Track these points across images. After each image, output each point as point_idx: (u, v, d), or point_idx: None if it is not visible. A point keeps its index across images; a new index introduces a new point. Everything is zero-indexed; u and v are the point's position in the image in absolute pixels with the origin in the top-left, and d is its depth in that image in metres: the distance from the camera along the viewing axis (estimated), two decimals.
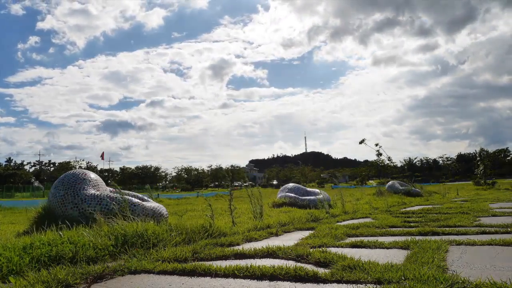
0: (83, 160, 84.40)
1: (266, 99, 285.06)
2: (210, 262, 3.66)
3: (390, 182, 19.13)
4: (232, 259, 3.91)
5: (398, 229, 5.88)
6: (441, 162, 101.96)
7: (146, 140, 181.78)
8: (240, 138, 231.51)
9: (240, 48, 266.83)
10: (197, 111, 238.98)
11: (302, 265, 3.36)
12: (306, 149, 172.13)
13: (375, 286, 2.67)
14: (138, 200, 6.35)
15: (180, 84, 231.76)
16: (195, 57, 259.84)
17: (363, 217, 8.11)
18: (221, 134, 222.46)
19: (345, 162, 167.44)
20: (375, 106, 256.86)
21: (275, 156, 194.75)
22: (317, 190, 13.07)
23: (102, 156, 51.83)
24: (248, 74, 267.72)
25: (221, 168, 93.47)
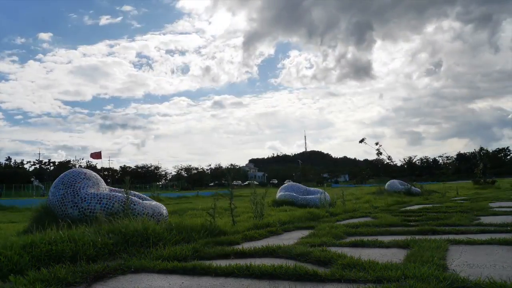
0: (82, 159, 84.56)
1: (247, 95, 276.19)
2: (210, 261, 3.67)
3: (390, 181, 19.14)
4: (232, 258, 3.91)
5: (398, 228, 5.88)
6: (440, 161, 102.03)
7: (131, 138, 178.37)
8: (228, 137, 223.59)
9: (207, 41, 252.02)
10: (177, 108, 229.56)
11: (302, 264, 3.37)
12: (306, 148, 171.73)
13: (375, 285, 2.68)
14: (138, 199, 6.35)
15: (154, 80, 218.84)
16: (163, 50, 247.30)
17: (363, 216, 8.11)
18: (206, 132, 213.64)
19: (345, 161, 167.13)
20: (361, 103, 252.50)
21: (275, 155, 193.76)
22: (317, 189, 13.09)
23: (99, 155, 51.55)
24: (225, 70, 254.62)
25: (220, 167, 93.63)
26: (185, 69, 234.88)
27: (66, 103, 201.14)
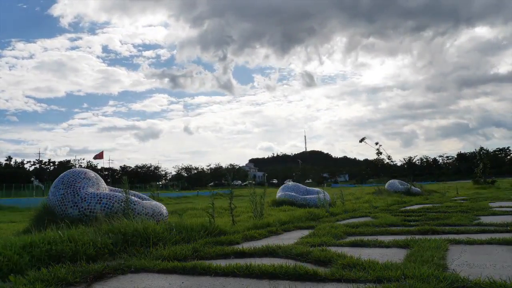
0: (83, 159, 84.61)
1: (229, 93, 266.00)
2: (210, 261, 3.67)
3: (390, 181, 19.14)
4: (232, 257, 3.91)
5: (398, 228, 5.88)
6: (440, 161, 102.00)
7: (117, 137, 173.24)
8: (217, 135, 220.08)
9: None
10: (158, 106, 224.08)
11: (302, 264, 3.36)
12: (306, 148, 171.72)
13: (375, 285, 2.67)
14: (138, 199, 6.35)
15: (127, 75, 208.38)
16: (130, 44, 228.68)
17: (363, 216, 8.11)
18: (193, 131, 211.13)
19: (345, 161, 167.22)
20: (343, 102, 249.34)
21: (275, 155, 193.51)
22: (317, 189, 13.09)
23: (101, 155, 51.54)
24: (198, 69, 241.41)
25: (220, 167, 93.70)
26: (157, 64, 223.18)
27: (39, 100, 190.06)
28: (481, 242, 4.27)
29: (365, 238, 4.80)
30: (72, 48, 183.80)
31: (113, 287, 2.99)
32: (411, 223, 6.47)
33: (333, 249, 3.95)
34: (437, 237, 4.73)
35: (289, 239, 5.10)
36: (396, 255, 3.73)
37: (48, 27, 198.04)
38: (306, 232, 5.60)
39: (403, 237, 4.66)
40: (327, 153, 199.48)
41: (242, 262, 3.41)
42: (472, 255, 3.66)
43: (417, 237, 4.66)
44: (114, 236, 4.27)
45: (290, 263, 3.29)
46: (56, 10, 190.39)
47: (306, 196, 11.84)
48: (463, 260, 3.47)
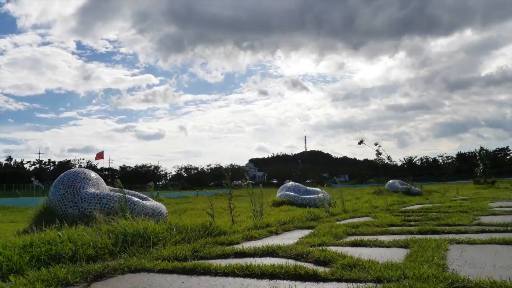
0: (83, 159, 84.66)
1: (215, 92, 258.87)
2: (210, 261, 3.66)
3: (390, 181, 19.18)
4: (232, 258, 3.91)
5: (398, 228, 5.88)
6: (440, 161, 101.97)
7: (106, 137, 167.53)
8: (208, 135, 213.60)
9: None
10: (145, 104, 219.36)
11: (302, 263, 3.36)
12: (306, 148, 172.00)
13: (375, 285, 2.67)
14: (138, 199, 6.35)
15: (106, 73, 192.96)
16: (104, 40, 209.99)
17: (363, 216, 8.11)
18: (182, 131, 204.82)
19: (345, 161, 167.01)
20: (334, 103, 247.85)
21: (275, 155, 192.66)
22: (317, 189, 13.09)
23: (101, 155, 51.44)
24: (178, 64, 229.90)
25: (220, 167, 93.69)
26: (135, 61, 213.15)
27: (19, 99, 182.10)
28: (481, 242, 4.27)
29: (365, 238, 4.80)
30: (44, 44, 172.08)
31: (113, 287, 2.99)
32: (411, 223, 6.47)
33: (333, 249, 3.95)
34: (437, 237, 4.73)
35: (289, 239, 5.09)
36: (396, 255, 3.73)
37: (13, 21, 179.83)
38: (306, 232, 5.60)
39: (403, 237, 4.66)
40: (327, 153, 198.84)
41: (242, 262, 3.41)
42: (472, 255, 3.66)
43: (417, 237, 4.66)
44: (114, 236, 4.27)
45: (290, 263, 3.29)
46: (18, 3, 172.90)
47: (306, 196, 11.85)
48: (463, 260, 3.47)
